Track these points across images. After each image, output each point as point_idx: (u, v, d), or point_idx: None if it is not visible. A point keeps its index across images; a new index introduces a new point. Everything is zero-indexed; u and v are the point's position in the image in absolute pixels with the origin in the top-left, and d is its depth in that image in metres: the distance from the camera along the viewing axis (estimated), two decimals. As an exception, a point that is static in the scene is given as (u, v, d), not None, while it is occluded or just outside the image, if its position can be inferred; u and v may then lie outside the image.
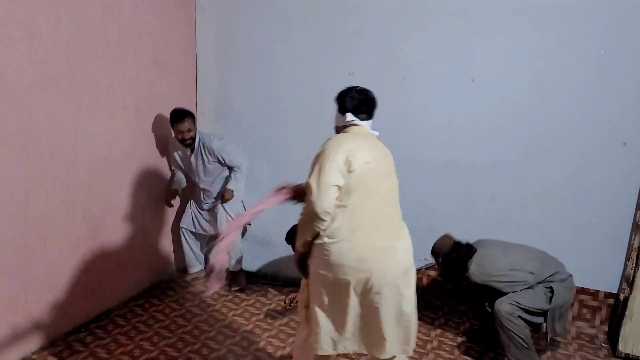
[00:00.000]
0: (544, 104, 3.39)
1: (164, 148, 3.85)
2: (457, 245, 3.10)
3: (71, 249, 3.12)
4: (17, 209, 2.73)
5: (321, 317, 2.23)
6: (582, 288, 3.49)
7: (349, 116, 2.32)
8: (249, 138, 4.06)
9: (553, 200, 3.46)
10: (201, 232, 3.98)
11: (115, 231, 3.47)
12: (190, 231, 3.98)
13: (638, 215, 3.22)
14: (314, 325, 2.26)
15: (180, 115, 3.58)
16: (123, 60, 3.34)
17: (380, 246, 2.16)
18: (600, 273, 3.43)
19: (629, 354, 3.21)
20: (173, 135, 3.69)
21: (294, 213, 3.70)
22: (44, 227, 2.91)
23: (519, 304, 2.86)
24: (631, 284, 3.20)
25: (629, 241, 3.29)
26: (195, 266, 4.06)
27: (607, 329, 3.45)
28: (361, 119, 2.34)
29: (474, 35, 3.44)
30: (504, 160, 3.51)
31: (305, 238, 2.20)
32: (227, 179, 3.83)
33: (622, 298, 3.28)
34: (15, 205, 2.72)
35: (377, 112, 3.73)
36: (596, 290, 3.47)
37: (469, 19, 3.43)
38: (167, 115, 3.82)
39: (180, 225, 3.98)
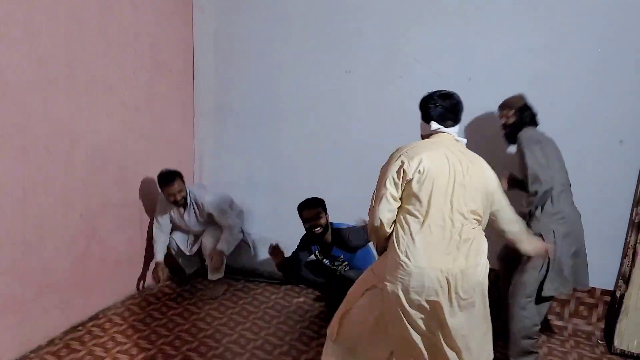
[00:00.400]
0: (540, 102, 3.38)
1: (161, 147, 3.85)
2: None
3: (68, 247, 3.12)
4: (15, 207, 2.73)
5: None
6: (578, 285, 3.50)
7: (434, 125, 2.23)
8: (248, 137, 4.07)
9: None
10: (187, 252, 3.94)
11: (112, 229, 3.47)
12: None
13: (634, 212, 3.23)
14: None
15: (169, 178, 3.49)
16: (121, 60, 3.34)
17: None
18: (596, 270, 3.42)
19: (624, 350, 3.22)
20: (161, 197, 3.63)
21: (290, 211, 3.73)
22: (41, 226, 2.91)
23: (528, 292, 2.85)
24: (627, 281, 3.21)
25: (626, 238, 3.30)
26: (189, 268, 4.06)
27: (603, 326, 3.46)
28: (447, 126, 2.23)
29: (472, 34, 3.45)
30: (499, 156, 3.52)
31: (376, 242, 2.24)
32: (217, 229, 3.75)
33: (618, 295, 3.29)
34: (13, 203, 2.72)
35: (376, 111, 3.77)
36: (593, 287, 3.47)
37: (468, 19, 3.44)
38: (166, 114, 3.83)
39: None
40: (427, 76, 3.57)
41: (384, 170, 2.14)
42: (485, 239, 2.15)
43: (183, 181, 3.58)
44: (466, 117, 3.48)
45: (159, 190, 3.59)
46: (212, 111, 4.15)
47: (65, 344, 3.05)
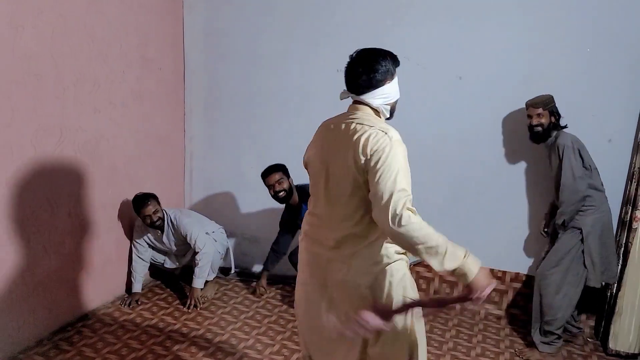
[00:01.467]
0: (529, 99, 3.40)
1: (151, 145, 3.81)
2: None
3: (57, 247, 3.07)
4: (6, 205, 2.69)
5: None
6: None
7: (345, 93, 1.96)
8: (238, 135, 4.04)
9: (539, 196, 3.48)
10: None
11: (101, 229, 3.42)
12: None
13: (624, 211, 3.24)
14: None
15: (144, 199, 3.42)
16: (110, 56, 3.30)
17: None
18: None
19: (619, 351, 3.23)
20: (138, 222, 3.57)
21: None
22: (28, 224, 2.86)
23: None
24: (619, 281, 3.22)
25: (616, 238, 3.31)
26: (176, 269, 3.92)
27: (593, 324, 3.48)
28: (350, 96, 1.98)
29: (461, 31, 3.44)
30: (490, 156, 3.52)
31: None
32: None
33: (608, 294, 3.30)
34: (5, 201, 2.67)
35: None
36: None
37: (458, 16, 3.43)
38: (155, 111, 3.79)
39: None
40: (417, 75, 3.56)
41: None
42: None
43: (158, 202, 3.49)
44: (457, 116, 3.52)
45: (136, 213, 3.49)
46: (202, 109, 4.11)
47: (54, 344, 3.01)
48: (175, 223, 3.56)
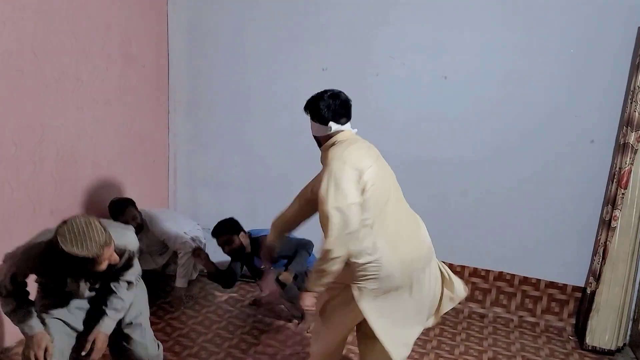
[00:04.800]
0: (513, 101, 3.43)
1: (135, 143, 3.76)
2: None
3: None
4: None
5: (389, 328, 2.23)
6: (550, 282, 3.57)
7: (334, 126, 2.22)
8: (222, 132, 4.01)
9: (522, 195, 3.52)
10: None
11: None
12: None
13: (605, 210, 3.29)
14: (386, 342, 2.22)
15: (122, 207, 3.33)
16: (91, 52, 3.24)
17: (414, 245, 2.30)
18: (568, 267, 3.51)
19: (595, 347, 3.29)
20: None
21: (264, 207, 3.69)
22: (9, 223, 2.81)
23: None
24: (597, 278, 3.28)
25: (596, 236, 3.37)
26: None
27: (574, 322, 3.53)
28: (343, 124, 2.26)
29: (446, 30, 3.45)
30: (474, 155, 3.55)
31: (334, 272, 2.07)
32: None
33: (589, 292, 3.36)
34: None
35: (354, 107, 3.75)
36: (564, 284, 3.55)
37: (443, 16, 3.44)
38: (139, 109, 3.75)
39: None
40: (402, 74, 3.57)
41: (339, 179, 2.05)
42: None
43: (136, 208, 3.41)
44: (442, 115, 3.54)
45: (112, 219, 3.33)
46: (186, 106, 4.08)
47: None
48: (149, 227, 3.47)
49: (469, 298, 3.72)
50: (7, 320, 3.35)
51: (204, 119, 4.05)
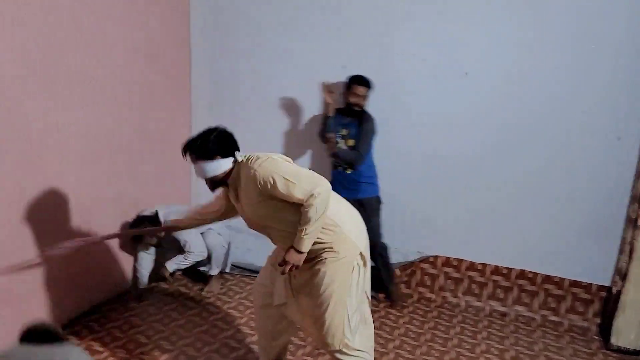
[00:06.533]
0: (539, 97, 3.38)
1: (157, 142, 3.81)
2: None
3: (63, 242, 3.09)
4: (11, 203, 2.72)
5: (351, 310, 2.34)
6: (574, 281, 3.51)
7: (239, 155, 2.31)
8: (243, 132, 3.98)
9: (545, 192, 3.47)
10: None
11: (106, 224, 3.44)
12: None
13: (631, 209, 3.22)
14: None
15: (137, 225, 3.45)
16: (114, 52, 3.29)
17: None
18: (592, 266, 3.45)
19: (620, 347, 3.23)
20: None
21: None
22: (36, 220, 2.88)
23: None
24: (624, 278, 3.22)
25: (622, 235, 3.30)
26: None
27: (599, 322, 3.47)
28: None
29: (466, 25, 3.42)
30: (495, 151, 3.51)
31: (316, 233, 2.21)
32: None
33: (614, 291, 3.30)
34: (9, 198, 2.70)
35: (371, 107, 3.75)
36: (589, 283, 3.49)
37: (464, 11, 3.41)
38: (161, 108, 3.80)
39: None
40: (423, 71, 3.55)
41: (287, 170, 2.20)
42: None
43: (156, 224, 3.45)
44: (464, 111, 3.50)
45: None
46: (208, 104, 4.12)
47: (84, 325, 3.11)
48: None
49: (491, 296, 3.69)
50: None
51: (225, 117, 4.07)
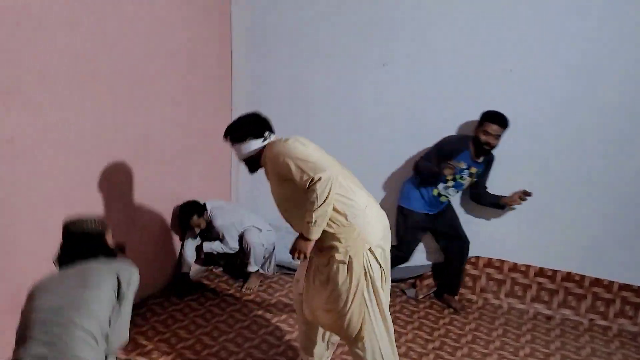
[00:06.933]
0: (586, 95, 3.28)
1: (199, 141, 3.88)
2: None
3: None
4: (61, 199, 2.81)
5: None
6: (624, 284, 3.39)
7: (269, 135, 2.47)
8: (283, 131, 4.04)
9: (594, 192, 3.37)
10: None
11: (150, 221, 3.53)
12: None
13: (686, 209, 3.08)
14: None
15: (189, 213, 3.64)
16: (158, 52, 3.37)
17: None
18: (644, 269, 3.33)
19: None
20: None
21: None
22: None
23: None
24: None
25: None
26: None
27: (651, 327, 3.34)
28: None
29: (509, 20, 3.34)
30: (542, 150, 3.42)
31: (322, 222, 2.24)
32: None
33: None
34: (59, 195, 2.79)
35: (413, 104, 3.72)
36: (639, 286, 3.36)
37: (508, 6, 3.33)
38: (203, 108, 3.86)
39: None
40: (465, 68, 3.49)
41: (300, 154, 2.27)
42: None
43: (202, 214, 3.69)
44: (508, 110, 3.42)
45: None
46: (248, 104, 4.14)
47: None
48: (213, 224, 3.72)
49: (535, 298, 3.59)
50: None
51: (267, 116, 4.10)
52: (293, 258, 2.33)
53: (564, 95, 3.31)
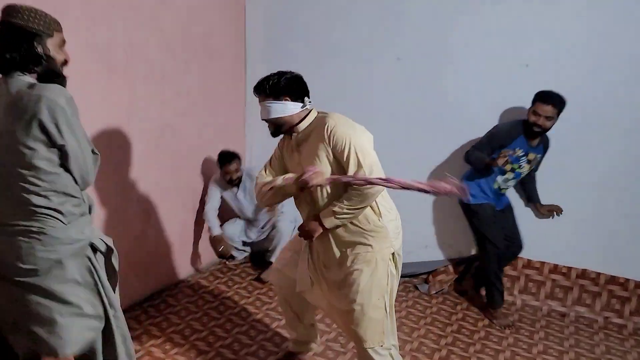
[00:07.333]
0: (607, 91, 3.23)
1: (213, 134, 3.90)
2: None
3: (126, 230, 3.22)
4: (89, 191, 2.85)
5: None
6: (642, 282, 3.35)
7: (308, 102, 2.27)
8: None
9: (611, 188, 3.34)
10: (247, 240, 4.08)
11: (166, 214, 3.55)
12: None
13: None
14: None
15: (229, 158, 3.71)
16: (174, 46, 3.39)
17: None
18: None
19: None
20: (216, 177, 3.82)
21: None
22: (101, 208, 3.02)
23: None
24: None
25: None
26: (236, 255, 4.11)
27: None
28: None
29: (525, 14, 3.31)
30: (557, 146, 3.37)
31: (347, 220, 2.18)
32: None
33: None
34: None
35: (427, 99, 3.69)
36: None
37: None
38: (218, 101, 3.88)
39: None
40: (480, 62, 3.46)
41: (367, 149, 2.16)
42: None
43: (240, 163, 3.80)
44: (524, 105, 3.39)
45: (219, 167, 3.76)
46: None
47: (144, 310, 3.28)
48: (251, 176, 3.79)
49: (549, 295, 3.57)
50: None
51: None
52: (300, 235, 2.29)
53: (582, 90, 3.26)
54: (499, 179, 3.27)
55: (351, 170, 2.08)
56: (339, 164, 2.14)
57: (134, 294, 3.38)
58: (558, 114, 3.08)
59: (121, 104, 3.05)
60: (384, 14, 3.65)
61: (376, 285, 2.21)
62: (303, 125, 2.24)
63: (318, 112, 2.27)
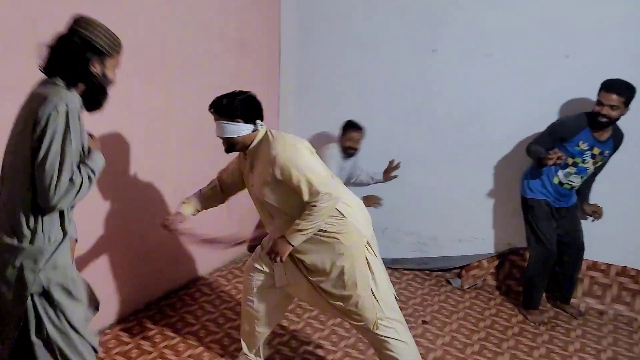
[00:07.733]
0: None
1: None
2: None
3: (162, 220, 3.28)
4: (116, 183, 2.93)
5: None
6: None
7: (260, 124, 2.30)
8: (331, 118, 4.06)
9: None
10: None
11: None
12: None
13: None
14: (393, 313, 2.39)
15: (357, 127, 3.54)
16: (210, 39, 3.43)
17: None
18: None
19: None
20: (333, 146, 3.59)
21: (368, 190, 3.69)
22: (138, 199, 3.10)
23: None
24: None
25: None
26: None
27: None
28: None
29: (564, 3, 3.22)
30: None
31: (310, 233, 2.22)
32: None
33: None
34: (115, 179, 2.90)
35: (462, 91, 3.64)
36: (638, 270, 3.29)
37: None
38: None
39: None
40: (517, 54, 3.39)
41: (307, 163, 2.20)
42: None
43: (361, 135, 3.58)
44: (564, 97, 3.30)
45: (341, 135, 3.57)
46: (296, 91, 4.18)
47: (160, 309, 3.26)
48: (357, 160, 3.68)
49: (586, 293, 3.48)
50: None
51: (313, 103, 4.13)
52: (270, 259, 2.31)
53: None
54: (560, 173, 3.12)
55: (305, 195, 2.14)
56: (290, 188, 2.18)
57: (169, 282, 3.44)
58: (625, 103, 2.88)
59: (160, 98, 3.11)
60: (419, 6, 3.61)
61: (360, 277, 2.28)
62: (255, 146, 2.29)
63: (266, 132, 2.29)
